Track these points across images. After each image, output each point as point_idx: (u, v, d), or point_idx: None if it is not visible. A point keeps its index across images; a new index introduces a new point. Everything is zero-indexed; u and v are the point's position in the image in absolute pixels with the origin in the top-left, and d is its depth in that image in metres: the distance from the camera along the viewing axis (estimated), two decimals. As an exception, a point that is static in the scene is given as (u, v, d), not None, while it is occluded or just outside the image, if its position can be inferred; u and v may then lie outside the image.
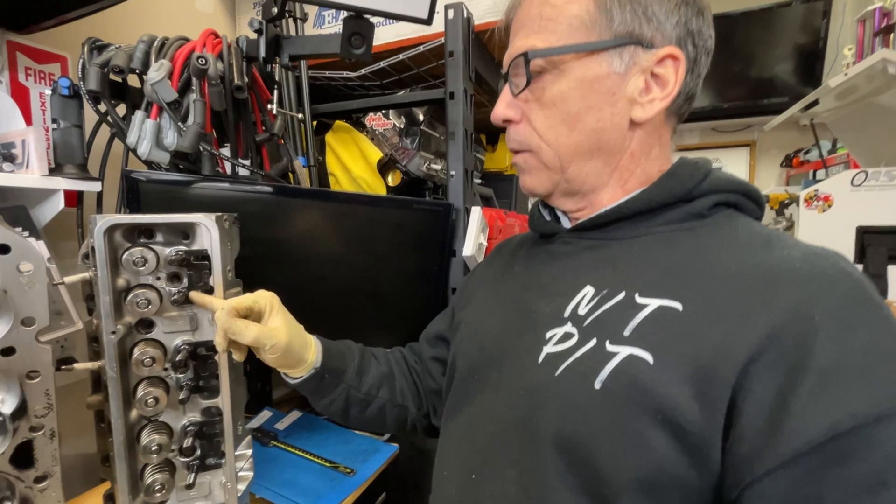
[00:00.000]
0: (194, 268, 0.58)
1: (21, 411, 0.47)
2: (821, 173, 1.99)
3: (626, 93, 0.45)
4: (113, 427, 0.53)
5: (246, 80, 0.67)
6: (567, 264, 0.49)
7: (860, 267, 1.21)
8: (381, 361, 0.66)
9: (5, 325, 0.45)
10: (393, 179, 1.05)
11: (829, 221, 1.36)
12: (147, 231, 0.57)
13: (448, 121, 0.88)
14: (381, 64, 1.04)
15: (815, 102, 1.83)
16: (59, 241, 0.78)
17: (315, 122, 1.00)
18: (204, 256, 0.58)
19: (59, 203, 0.67)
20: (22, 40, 0.83)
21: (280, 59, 0.66)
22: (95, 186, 0.70)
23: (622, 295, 0.41)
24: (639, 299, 0.40)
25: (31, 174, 0.63)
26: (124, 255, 0.52)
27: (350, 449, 0.94)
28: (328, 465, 0.89)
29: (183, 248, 0.57)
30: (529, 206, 2.20)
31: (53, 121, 0.66)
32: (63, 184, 0.66)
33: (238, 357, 0.54)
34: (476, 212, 0.91)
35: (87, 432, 0.61)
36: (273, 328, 0.53)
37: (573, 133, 0.46)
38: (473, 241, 0.88)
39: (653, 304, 0.39)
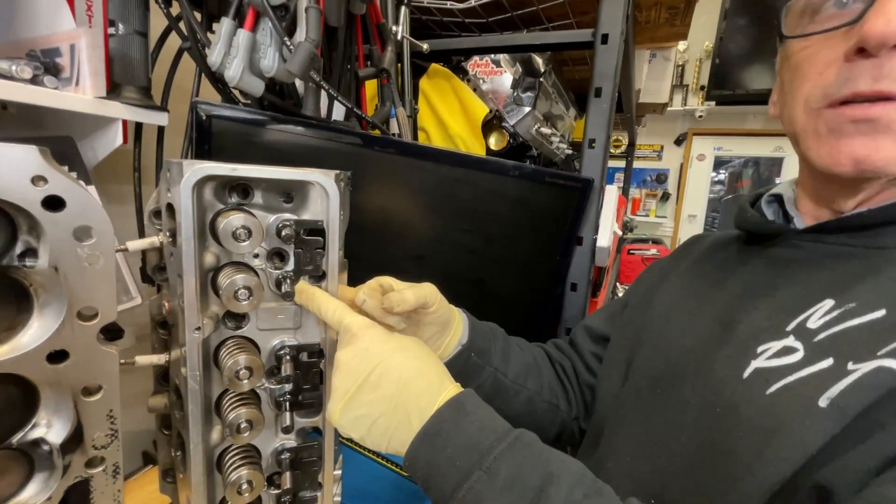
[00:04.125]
0: (303, 245, 0.42)
1: (75, 440, 0.32)
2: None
3: None
4: (191, 458, 0.39)
5: (370, -13, 0.48)
6: (797, 275, 0.38)
7: None
8: (524, 350, 0.56)
9: (55, 319, 0.30)
10: (497, 142, 0.86)
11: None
12: (243, 189, 0.40)
13: (594, 72, 0.69)
14: (499, -7, 0.83)
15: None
16: (106, 184, 0.61)
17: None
18: (314, 230, 0.42)
19: (116, 138, 0.50)
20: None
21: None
22: (161, 119, 0.53)
23: (881, 312, 0.31)
24: None
25: (83, 94, 0.46)
26: (223, 224, 0.36)
27: (426, 455, 0.82)
28: (405, 475, 0.76)
29: (293, 217, 0.41)
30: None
31: (111, 24, 0.49)
32: (122, 112, 0.49)
33: None
34: (612, 192, 0.73)
35: (138, 402, 0.46)
36: (425, 286, 0.46)
37: None
38: (610, 228, 0.71)
39: None
